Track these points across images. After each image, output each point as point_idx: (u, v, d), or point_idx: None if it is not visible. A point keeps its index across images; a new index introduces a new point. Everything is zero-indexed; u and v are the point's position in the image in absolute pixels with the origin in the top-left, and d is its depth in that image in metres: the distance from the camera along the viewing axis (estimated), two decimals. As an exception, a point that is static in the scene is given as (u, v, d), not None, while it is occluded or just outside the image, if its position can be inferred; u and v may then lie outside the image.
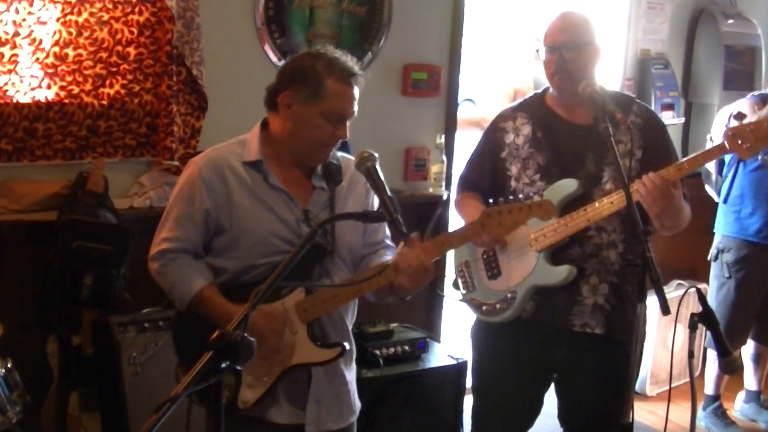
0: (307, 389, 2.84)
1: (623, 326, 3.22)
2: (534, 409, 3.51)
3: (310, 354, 2.77)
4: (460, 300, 3.50)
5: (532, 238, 3.22)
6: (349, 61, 2.80)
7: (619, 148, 3.18)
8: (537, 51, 3.31)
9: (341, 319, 2.90)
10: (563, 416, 3.54)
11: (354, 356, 3.05)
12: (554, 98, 3.34)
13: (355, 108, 2.79)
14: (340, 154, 2.94)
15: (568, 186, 3.18)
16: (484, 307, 3.40)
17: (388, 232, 3.04)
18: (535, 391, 3.47)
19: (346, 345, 2.79)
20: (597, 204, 3.10)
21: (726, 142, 3.00)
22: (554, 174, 3.25)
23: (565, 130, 3.26)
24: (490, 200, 2.76)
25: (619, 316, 3.23)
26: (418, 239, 2.67)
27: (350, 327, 2.99)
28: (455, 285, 3.51)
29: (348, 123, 2.79)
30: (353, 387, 3.02)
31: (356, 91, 2.79)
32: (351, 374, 3.01)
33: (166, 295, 2.92)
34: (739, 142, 2.97)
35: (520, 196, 2.74)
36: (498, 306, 3.33)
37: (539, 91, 3.46)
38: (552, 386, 3.52)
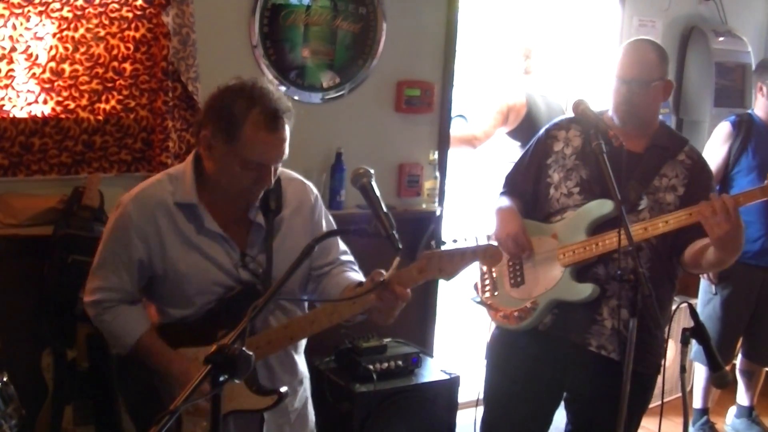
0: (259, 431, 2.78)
1: (641, 356, 3.16)
2: (544, 425, 3.52)
3: (246, 401, 2.66)
4: (478, 303, 3.52)
5: (560, 252, 3.25)
6: (276, 98, 2.56)
7: (662, 181, 3.23)
8: (613, 77, 3.31)
9: (288, 355, 2.82)
10: None
11: (302, 379, 2.95)
12: (612, 121, 3.35)
13: (284, 151, 2.58)
14: (284, 174, 2.79)
15: (603, 206, 3.22)
16: (501, 313, 3.42)
17: (342, 246, 2.94)
18: (545, 407, 3.49)
19: (283, 390, 2.65)
20: (631, 228, 3.12)
21: None
22: (594, 191, 3.27)
23: (616, 152, 3.18)
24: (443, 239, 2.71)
25: (638, 344, 3.12)
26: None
27: (297, 351, 2.89)
28: (476, 288, 3.53)
29: (277, 167, 2.61)
30: (300, 413, 2.95)
31: (286, 132, 2.56)
32: (299, 401, 2.93)
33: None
34: None
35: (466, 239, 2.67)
36: (516, 314, 3.36)
37: (601, 110, 3.45)
38: (562, 404, 3.54)
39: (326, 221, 2.91)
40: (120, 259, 2.69)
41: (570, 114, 3.49)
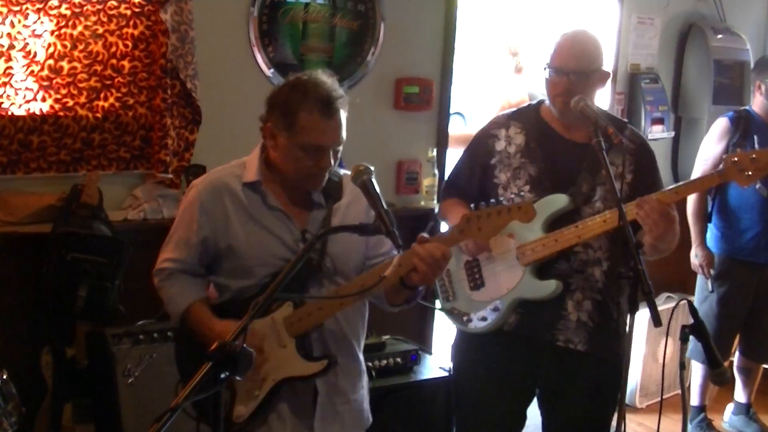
0: (313, 407, 2.83)
1: (606, 343, 3.22)
2: (517, 423, 3.50)
3: (297, 367, 2.74)
4: (440, 309, 3.49)
5: (519, 252, 3.23)
6: (329, 87, 2.71)
7: (611, 169, 3.21)
8: (545, 68, 3.27)
9: (342, 333, 2.86)
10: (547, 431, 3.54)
11: (361, 371, 3.01)
12: (551, 114, 3.32)
13: (341, 135, 2.73)
14: (342, 171, 2.92)
15: (558, 201, 3.19)
16: (464, 318, 3.39)
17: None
18: (517, 405, 3.45)
19: (335, 357, 2.76)
20: (589, 221, 3.12)
21: (726, 169, 3.03)
22: (545, 187, 3.24)
23: (561, 145, 3.26)
24: (472, 205, 2.69)
25: (601, 333, 3.23)
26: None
27: (358, 342, 2.96)
28: (434, 294, 3.49)
29: (336, 150, 2.75)
30: (359, 404, 2.98)
31: (341, 116, 2.71)
32: (357, 391, 2.97)
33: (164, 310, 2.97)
34: (740, 170, 3.01)
35: (501, 199, 2.70)
36: (480, 317, 3.33)
37: (533, 102, 3.45)
38: (535, 400, 3.52)
39: None
40: (186, 237, 2.86)
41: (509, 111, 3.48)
